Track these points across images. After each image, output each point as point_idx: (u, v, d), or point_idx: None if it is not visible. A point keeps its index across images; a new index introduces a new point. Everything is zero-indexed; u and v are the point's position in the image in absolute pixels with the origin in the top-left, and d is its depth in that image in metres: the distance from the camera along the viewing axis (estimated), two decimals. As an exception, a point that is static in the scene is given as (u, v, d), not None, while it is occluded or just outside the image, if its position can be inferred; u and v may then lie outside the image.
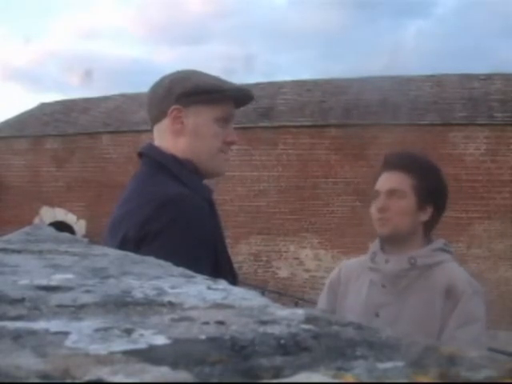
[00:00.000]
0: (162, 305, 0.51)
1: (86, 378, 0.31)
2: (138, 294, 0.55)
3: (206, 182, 1.58)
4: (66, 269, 0.70)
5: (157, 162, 1.53)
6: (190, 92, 1.51)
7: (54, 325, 0.42)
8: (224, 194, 11.51)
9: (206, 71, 1.60)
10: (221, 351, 0.37)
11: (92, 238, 4.05)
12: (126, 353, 0.36)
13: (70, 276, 0.64)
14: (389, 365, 0.34)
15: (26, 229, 1.47)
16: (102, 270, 0.70)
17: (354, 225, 11.20)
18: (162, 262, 0.83)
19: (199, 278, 0.69)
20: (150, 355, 0.35)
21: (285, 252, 12.61)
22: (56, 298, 0.52)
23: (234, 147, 1.68)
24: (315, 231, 12.42)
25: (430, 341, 0.40)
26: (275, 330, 0.42)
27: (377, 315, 1.78)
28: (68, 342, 0.38)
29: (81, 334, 0.39)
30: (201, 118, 1.53)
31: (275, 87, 14.27)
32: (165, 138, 1.55)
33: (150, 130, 1.61)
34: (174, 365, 0.34)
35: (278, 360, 0.35)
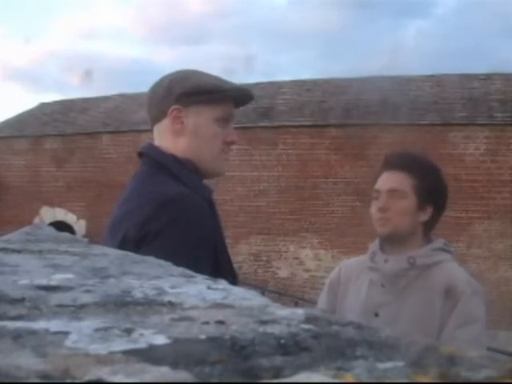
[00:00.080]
0: (162, 304, 0.51)
1: (86, 378, 0.31)
2: (137, 294, 0.55)
3: (205, 181, 1.58)
4: (65, 269, 0.70)
5: (157, 162, 1.53)
6: (189, 92, 1.51)
7: (54, 325, 0.42)
8: (224, 194, 11.51)
9: (206, 71, 1.60)
10: (221, 351, 0.37)
11: (92, 238, 4.04)
12: (126, 353, 0.36)
13: (69, 276, 0.64)
14: (389, 365, 0.34)
15: (26, 229, 1.47)
16: (101, 269, 0.70)
17: (354, 225, 11.20)
18: (161, 261, 0.83)
19: (199, 277, 0.69)
20: (149, 355, 0.35)
21: (285, 252, 12.61)
22: (56, 298, 0.52)
23: (234, 147, 1.68)
24: (315, 231, 12.42)
25: (430, 341, 0.40)
26: (275, 329, 0.42)
27: (376, 315, 1.78)
28: (68, 342, 0.38)
29: (81, 334, 0.39)
30: (201, 118, 1.53)
31: (275, 87, 14.26)
32: (165, 137, 1.55)
33: (150, 130, 1.61)
34: (174, 365, 0.34)
35: (278, 360, 0.35)
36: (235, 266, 1.60)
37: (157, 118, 1.56)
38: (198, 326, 0.42)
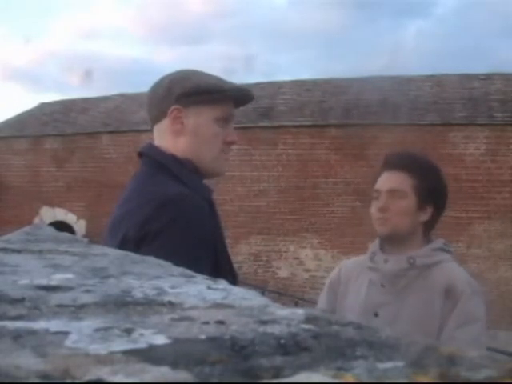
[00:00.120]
0: (162, 304, 0.51)
1: (86, 378, 0.31)
2: (137, 294, 0.55)
3: (205, 181, 1.58)
4: (65, 269, 0.70)
5: (157, 162, 1.53)
6: (189, 92, 1.51)
7: (54, 325, 0.42)
8: (224, 194, 11.51)
9: (206, 71, 1.60)
10: (221, 351, 0.37)
11: (92, 238, 4.05)
12: (126, 353, 0.36)
13: (69, 276, 0.64)
14: (389, 365, 0.34)
15: (26, 229, 1.47)
16: (101, 269, 0.70)
17: (354, 225, 11.20)
18: (161, 261, 0.83)
19: (199, 277, 0.69)
20: (149, 355, 0.35)
21: (285, 252, 12.61)
22: (56, 298, 0.52)
23: (234, 147, 1.68)
24: (315, 231, 12.42)
25: (430, 341, 0.40)
26: (275, 329, 0.42)
27: (376, 315, 1.78)
28: (68, 342, 0.38)
29: (81, 334, 0.39)
30: (201, 118, 1.53)
31: (275, 87, 14.26)
32: (165, 137, 1.55)
33: (150, 130, 1.61)
34: (174, 365, 0.34)
35: (278, 360, 0.35)
36: (235, 265, 1.60)
37: (157, 118, 1.56)
38: (197, 326, 0.42)
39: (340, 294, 1.93)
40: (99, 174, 14.09)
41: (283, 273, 12.57)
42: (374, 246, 1.89)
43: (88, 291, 0.55)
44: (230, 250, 1.58)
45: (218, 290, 0.59)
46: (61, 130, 14.98)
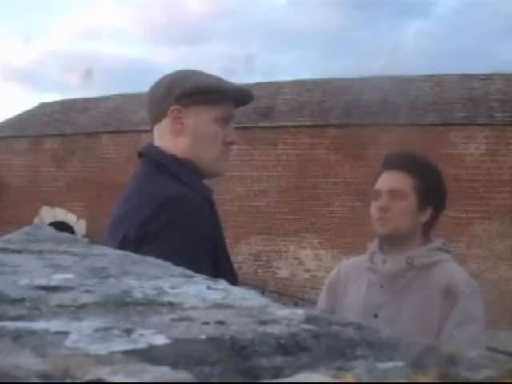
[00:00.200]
0: (162, 305, 0.51)
1: (86, 378, 0.31)
2: (138, 294, 0.55)
3: (205, 181, 1.58)
4: (65, 269, 0.70)
5: (157, 162, 1.53)
6: (189, 92, 1.51)
7: (54, 325, 0.42)
8: (224, 194, 11.51)
9: (206, 71, 1.60)
10: (221, 351, 0.37)
11: (92, 238, 4.04)
12: (126, 353, 0.36)
13: (70, 276, 0.64)
14: (389, 365, 0.34)
15: (26, 229, 1.47)
16: (102, 269, 0.70)
17: (354, 225, 11.20)
18: (161, 261, 0.83)
19: (199, 277, 0.69)
20: (150, 355, 0.35)
21: (285, 252, 12.61)
22: (56, 298, 0.52)
23: (234, 147, 1.68)
24: (315, 231, 12.42)
25: (430, 341, 0.40)
26: (275, 329, 0.42)
27: (375, 315, 1.78)
28: (68, 342, 0.38)
29: (81, 334, 0.39)
30: (201, 119, 1.53)
31: (275, 87, 14.27)
32: (165, 138, 1.55)
33: (150, 130, 1.61)
34: (174, 365, 0.34)
35: (278, 360, 0.35)
36: (235, 266, 1.60)
37: (157, 118, 1.56)
38: (197, 326, 0.42)
39: (339, 294, 1.93)
40: (99, 174, 14.10)
41: (283, 273, 12.57)
42: (372, 246, 1.89)
43: (88, 291, 0.55)
44: (230, 250, 1.58)
45: (217, 290, 0.59)
46: (61, 129, 14.99)
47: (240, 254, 12.18)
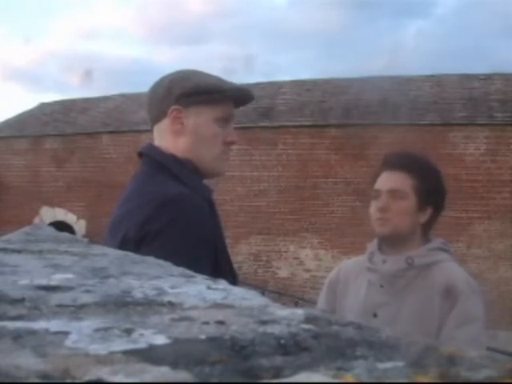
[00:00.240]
0: (162, 305, 0.51)
1: (86, 378, 0.31)
2: (138, 294, 0.55)
3: (205, 181, 1.58)
4: (65, 269, 0.70)
5: (157, 162, 1.53)
6: (189, 92, 1.51)
7: (54, 325, 0.42)
8: (224, 194, 11.51)
9: (206, 71, 1.60)
10: (221, 351, 0.37)
11: (92, 238, 4.04)
12: (126, 353, 0.36)
13: (70, 276, 0.64)
14: (389, 365, 0.34)
15: (26, 229, 1.47)
16: (101, 269, 0.70)
17: (354, 225, 11.20)
18: (161, 261, 0.83)
19: (199, 277, 0.69)
20: (149, 355, 0.35)
21: (285, 252, 12.61)
22: (56, 298, 0.52)
23: (234, 147, 1.68)
24: (315, 231, 12.42)
25: (430, 341, 0.40)
26: (275, 329, 0.42)
27: (375, 315, 1.78)
28: (68, 342, 0.38)
29: (81, 334, 0.39)
30: (201, 119, 1.53)
31: (275, 87, 14.26)
32: (165, 138, 1.55)
33: (150, 130, 1.61)
34: (174, 365, 0.34)
35: (278, 360, 0.35)
36: (235, 266, 1.60)
37: (157, 118, 1.56)
38: (197, 326, 0.42)
39: (339, 294, 1.93)
40: (99, 174, 14.10)
41: (283, 273, 12.57)
42: (372, 246, 1.89)
43: (88, 291, 0.55)
44: (230, 250, 1.58)
45: (217, 290, 0.59)
46: (61, 129, 14.99)
47: (240, 254, 12.18)
